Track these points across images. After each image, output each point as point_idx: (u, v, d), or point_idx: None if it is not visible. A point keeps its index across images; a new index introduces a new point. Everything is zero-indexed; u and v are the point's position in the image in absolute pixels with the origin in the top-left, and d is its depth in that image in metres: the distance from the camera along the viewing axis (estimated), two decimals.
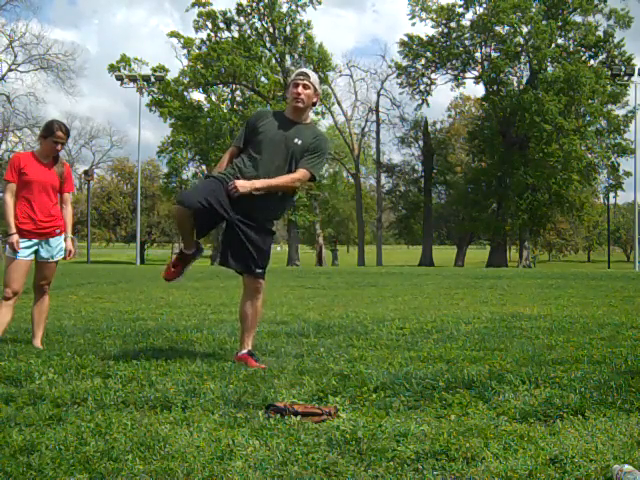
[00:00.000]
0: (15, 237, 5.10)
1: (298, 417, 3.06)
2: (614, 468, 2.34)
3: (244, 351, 4.59)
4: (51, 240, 5.32)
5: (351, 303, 9.62)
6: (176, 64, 49.28)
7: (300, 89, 4.53)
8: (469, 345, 5.34)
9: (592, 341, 5.55)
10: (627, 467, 2.31)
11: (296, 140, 4.53)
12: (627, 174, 46.11)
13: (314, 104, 4.66)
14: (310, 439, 2.76)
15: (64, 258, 5.47)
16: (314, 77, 4.64)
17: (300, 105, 4.56)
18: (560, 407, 3.20)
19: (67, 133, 5.28)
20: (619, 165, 46.74)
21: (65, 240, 5.43)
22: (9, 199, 5.16)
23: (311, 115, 4.85)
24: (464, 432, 2.83)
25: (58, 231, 5.37)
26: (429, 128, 54.67)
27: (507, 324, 6.87)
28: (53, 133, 5.18)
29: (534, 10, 44.66)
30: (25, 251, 5.17)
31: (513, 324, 6.86)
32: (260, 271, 4.58)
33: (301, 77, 4.58)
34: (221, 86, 49.19)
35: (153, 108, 47.60)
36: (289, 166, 4.53)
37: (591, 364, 4.30)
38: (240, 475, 2.38)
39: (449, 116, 62.34)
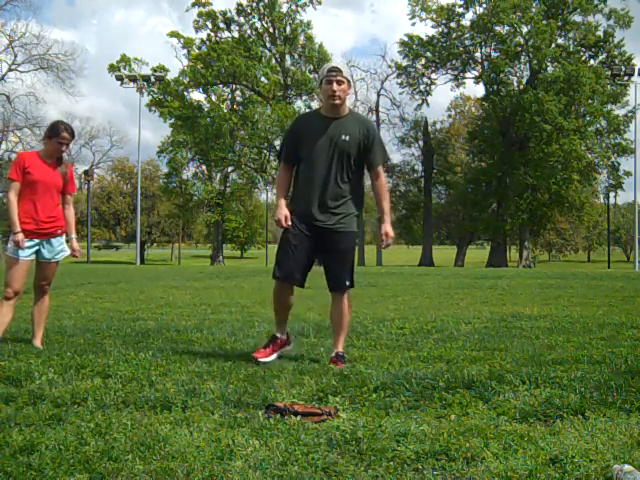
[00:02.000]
0: (20, 235, 5.11)
1: (298, 417, 3.06)
2: (614, 468, 2.34)
3: (332, 354, 4.65)
4: (52, 240, 5.32)
5: (351, 303, 9.60)
6: (175, 64, 49.44)
7: (335, 86, 4.45)
8: (469, 345, 5.34)
9: (592, 341, 5.54)
10: (627, 467, 2.31)
11: (343, 137, 4.50)
12: (627, 174, 46.13)
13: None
14: (310, 439, 2.76)
15: (73, 257, 5.50)
16: (346, 70, 4.55)
17: (338, 102, 4.50)
18: (560, 407, 3.19)
19: (72, 134, 5.30)
20: (619, 165, 46.80)
21: (71, 241, 5.45)
22: (13, 198, 5.17)
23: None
24: (464, 432, 2.83)
25: (59, 232, 5.38)
26: (429, 128, 54.67)
27: (507, 324, 6.87)
28: (59, 134, 5.19)
29: (534, 10, 44.68)
30: (26, 251, 5.18)
31: (513, 324, 6.86)
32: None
33: (333, 73, 4.48)
34: (221, 86, 49.19)
35: (153, 108, 47.60)
36: (344, 166, 4.52)
37: (591, 364, 4.30)
38: (240, 475, 2.37)
39: (449, 116, 62.44)
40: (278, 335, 4.74)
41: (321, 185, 4.51)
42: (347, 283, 4.68)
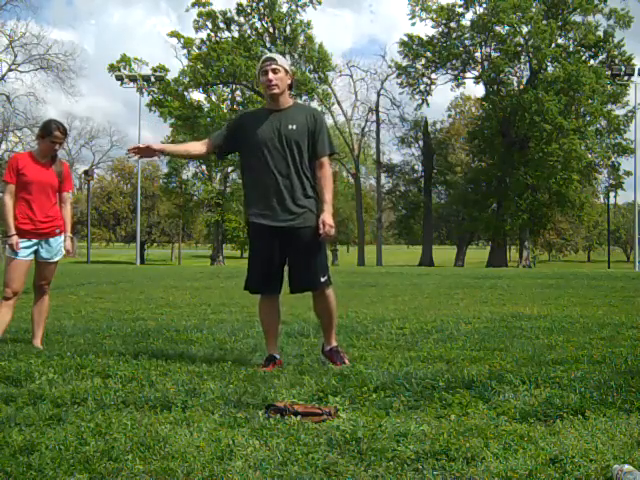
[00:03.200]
0: (15, 238, 5.09)
1: (298, 417, 3.05)
2: (614, 468, 2.33)
3: (326, 348, 4.61)
4: (51, 240, 5.31)
5: (351, 303, 9.61)
6: (175, 64, 49.46)
7: (270, 75, 4.32)
8: (469, 345, 5.34)
9: (592, 341, 5.54)
10: (627, 467, 2.31)
11: (290, 126, 4.33)
12: (627, 174, 46.14)
13: (290, 87, 4.44)
14: (310, 439, 2.76)
15: (65, 256, 5.48)
16: (281, 59, 4.42)
17: (276, 90, 4.34)
18: (560, 407, 3.19)
19: (65, 133, 5.26)
20: (619, 165, 46.80)
21: (65, 239, 5.42)
22: (8, 200, 5.16)
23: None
24: (464, 432, 2.83)
25: (58, 231, 5.36)
26: (429, 128, 54.70)
27: (507, 324, 6.87)
28: (51, 133, 5.16)
29: (534, 10, 44.69)
30: (25, 251, 5.17)
31: (513, 324, 6.86)
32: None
33: (267, 63, 4.37)
34: (221, 86, 49.20)
35: (153, 108, 47.61)
36: (294, 156, 4.33)
37: (591, 364, 4.30)
38: (240, 475, 2.37)
39: (449, 116, 62.42)
40: (276, 356, 4.51)
41: (274, 181, 4.31)
42: (322, 279, 4.42)
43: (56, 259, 5.40)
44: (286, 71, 4.41)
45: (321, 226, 4.30)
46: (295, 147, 4.34)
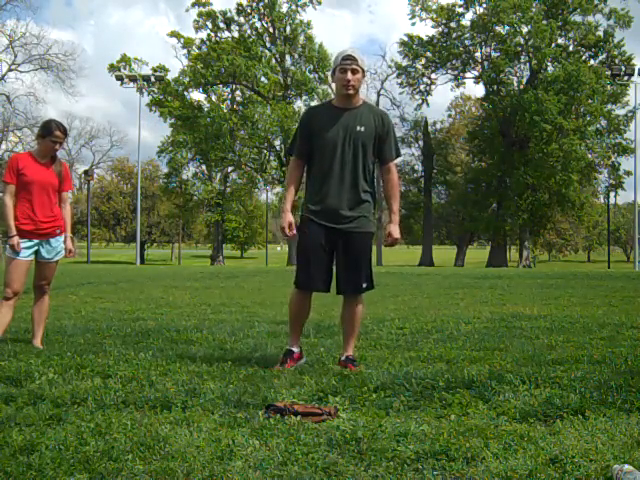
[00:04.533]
0: (15, 239, 5.09)
1: (298, 417, 3.05)
2: (614, 468, 2.33)
3: (342, 357, 4.49)
4: (52, 240, 5.31)
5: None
6: (174, 64, 49.47)
7: (349, 75, 4.22)
8: (469, 345, 5.34)
9: (592, 341, 5.54)
10: (627, 467, 2.31)
11: (358, 128, 4.28)
12: (627, 173, 46.13)
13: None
14: (310, 439, 2.76)
15: (65, 256, 5.47)
16: (361, 59, 4.29)
17: (352, 92, 4.27)
18: (560, 407, 3.19)
19: (65, 132, 5.26)
20: (619, 165, 46.78)
21: (65, 240, 5.42)
22: (8, 201, 5.15)
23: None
24: (464, 432, 2.83)
25: (58, 231, 5.36)
26: (429, 128, 54.70)
27: (507, 324, 6.87)
28: (51, 133, 5.16)
29: (534, 10, 44.70)
30: (25, 251, 5.17)
31: (513, 324, 6.86)
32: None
33: (348, 62, 4.23)
34: (221, 86, 49.19)
35: (153, 108, 47.61)
36: (358, 158, 4.29)
37: (591, 364, 4.30)
38: (240, 475, 2.37)
39: (449, 116, 62.45)
40: (294, 349, 4.45)
41: (338, 181, 4.28)
42: (364, 285, 4.42)
43: (56, 259, 5.39)
44: (364, 72, 4.35)
45: (387, 237, 4.41)
46: (361, 149, 4.32)
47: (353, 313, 4.50)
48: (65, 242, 5.41)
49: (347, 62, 4.25)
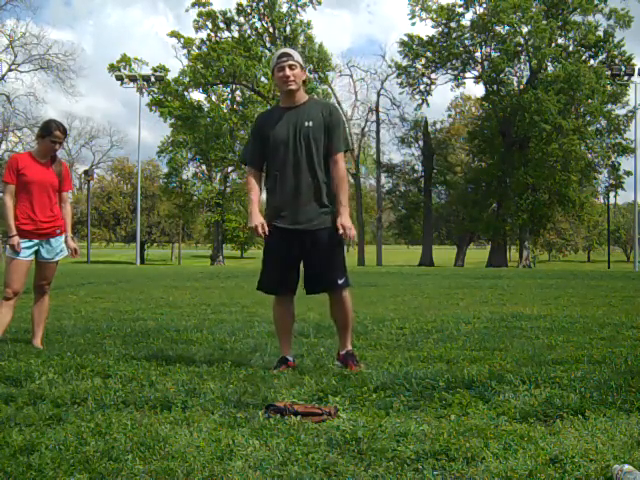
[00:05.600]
0: (16, 239, 5.09)
1: (298, 417, 3.05)
2: (614, 468, 2.33)
3: (342, 352, 4.48)
4: (52, 240, 5.31)
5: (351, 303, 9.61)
6: (174, 64, 49.45)
7: (287, 71, 4.25)
8: (469, 345, 5.34)
9: (592, 341, 5.55)
10: (627, 467, 2.31)
11: (306, 123, 4.27)
12: (627, 173, 46.12)
13: (304, 82, 4.38)
14: (310, 439, 2.76)
15: (72, 256, 5.47)
16: (296, 55, 4.35)
17: (293, 87, 4.28)
18: (560, 407, 3.19)
19: (65, 132, 5.27)
20: (619, 165, 46.78)
21: (66, 240, 5.42)
22: (9, 201, 5.16)
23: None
24: (464, 432, 2.83)
25: (59, 231, 5.36)
26: (429, 128, 54.66)
27: (507, 324, 6.87)
28: (51, 133, 5.16)
29: (534, 10, 44.69)
30: (25, 251, 5.17)
31: (513, 324, 6.86)
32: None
33: (284, 59, 4.29)
34: (221, 86, 49.18)
35: (153, 108, 47.61)
36: (312, 153, 4.25)
37: (591, 364, 4.30)
38: (240, 475, 2.37)
39: (449, 116, 62.43)
40: (289, 358, 4.41)
41: (294, 181, 4.24)
42: (339, 282, 4.33)
43: (57, 259, 5.40)
44: (302, 67, 4.36)
45: (340, 229, 4.22)
46: (313, 143, 4.27)
47: (340, 308, 4.46)
48: (67, 242, 5.42)
49: (283, 59, 4.30)
